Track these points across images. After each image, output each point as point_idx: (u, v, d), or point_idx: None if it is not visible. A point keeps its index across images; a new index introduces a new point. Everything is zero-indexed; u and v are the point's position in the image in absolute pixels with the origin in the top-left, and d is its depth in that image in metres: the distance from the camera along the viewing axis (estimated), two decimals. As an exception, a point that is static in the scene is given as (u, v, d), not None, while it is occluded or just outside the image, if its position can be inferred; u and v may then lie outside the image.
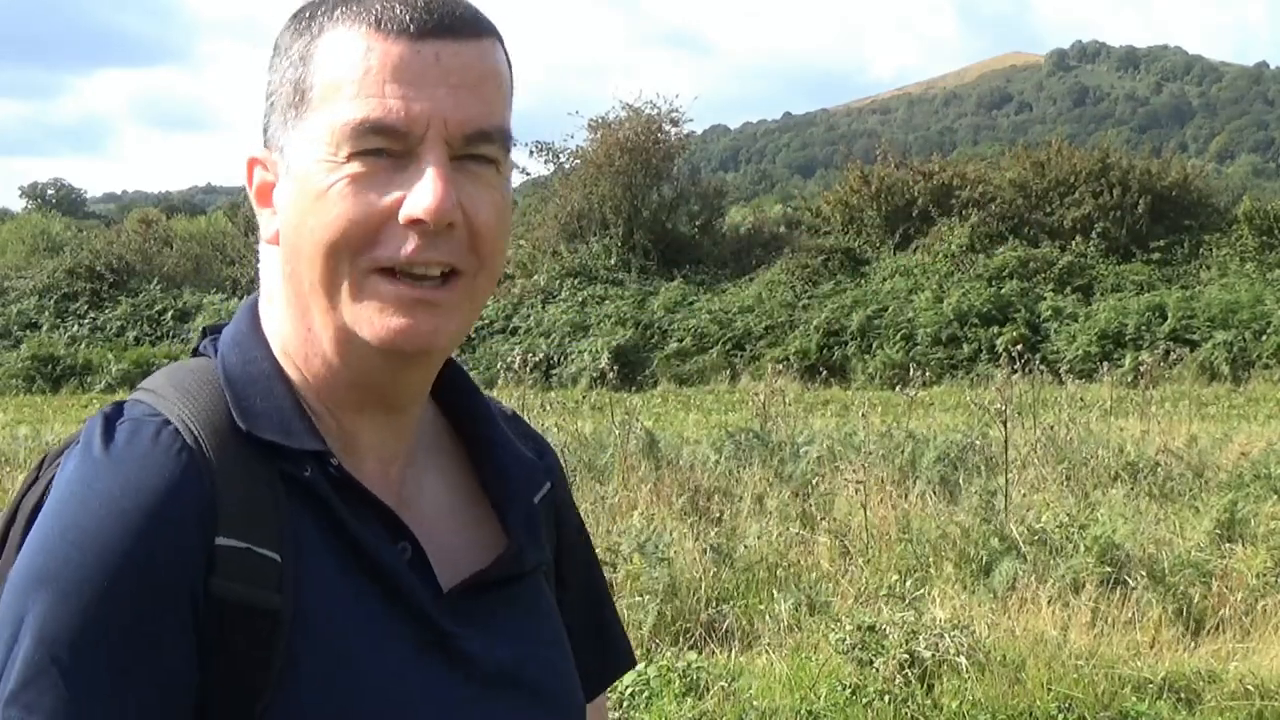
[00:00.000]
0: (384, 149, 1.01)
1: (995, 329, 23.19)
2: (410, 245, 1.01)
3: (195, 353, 1.12)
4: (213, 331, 1.13)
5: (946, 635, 5.44)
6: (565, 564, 1.26)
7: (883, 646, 5.39)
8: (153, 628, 0.94)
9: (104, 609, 0.93)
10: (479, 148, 1.04)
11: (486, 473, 1.17)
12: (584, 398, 15.30)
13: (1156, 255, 25.79)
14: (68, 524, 0.96)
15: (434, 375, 1.13)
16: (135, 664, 0.94)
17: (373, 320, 1.02)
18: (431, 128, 1.01)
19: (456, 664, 1.06)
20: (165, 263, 31.78)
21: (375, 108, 1.00)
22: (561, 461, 1.32)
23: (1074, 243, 26.17)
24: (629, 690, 5.48)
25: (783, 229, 30.77)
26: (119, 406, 1.05)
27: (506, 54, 1.10)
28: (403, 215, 1.01)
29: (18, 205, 71.11)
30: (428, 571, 1.07)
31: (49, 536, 0.96)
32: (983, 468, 9.12)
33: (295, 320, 1.08)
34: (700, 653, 5.94)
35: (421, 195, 1.00)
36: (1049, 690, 5.26)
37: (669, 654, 5.90)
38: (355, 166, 1.01)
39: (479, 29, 1.06)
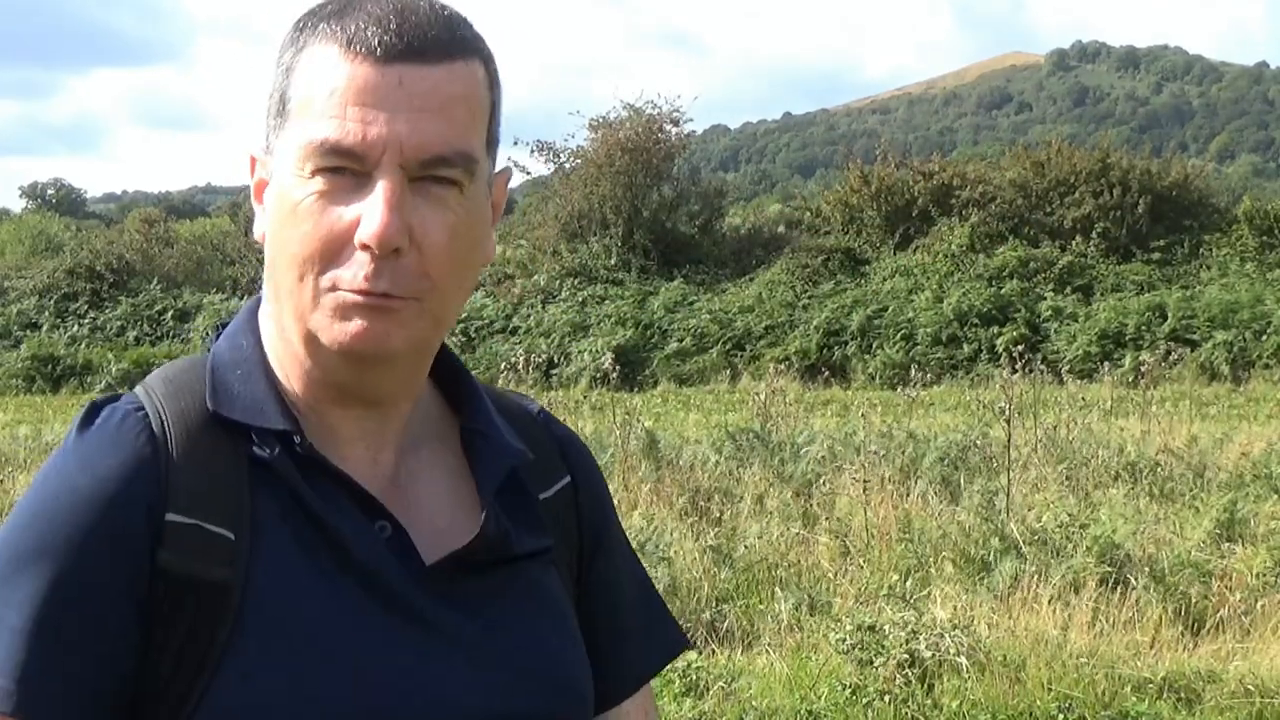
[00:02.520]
0: (345, 167, 1.05)
1: (995, 329, 23.20)
2: (362, 272, 1.05)
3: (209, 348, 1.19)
4: (223, 326, 1.19)
5: (947, 635, 5.44)
6: (595, 557, 1.28)
7: (883, 646, 5.39)
8: (91, 596, 1.02)
9: (46, 578, 1.02)
10: (438, 170, 1.06)
11: (471, 461, 1.20)
12: (584, 398, 15.30)
13: (1156, 255, 25.78)
14: (27, 503, 1.07)
15: (410, 375, 1.15)
16: (73, 628, 1.01)
17: (330, 327, 1.07)
18: (387, 151, 1.04)
19: (427, 636, 1.09)
20: (165, 263, 31.78)
21: (335, 129, 1.04)
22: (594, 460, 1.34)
23: (1074, 243, 26.17)
24: (629, 690, 5.48)
25: (782, 229, 30.77)
26: (113, 396, 1.13)
27: (491, 72, 1.12)
28: (356, 239, 1.05)
29: (17, 205, 71.18)
30: (408, 549, 1.10)
31: (13, 514, 1.06)
32: (983, 468, 9.12)
33: (275, 317, 1.14)
34: (700, 653, 5.94)
35: (369, 221, 1.04)
36: (1049, 690, 5.26)
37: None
38: (320, 183, 1.05)
39: (451, 52, 1.07)
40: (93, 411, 1.11)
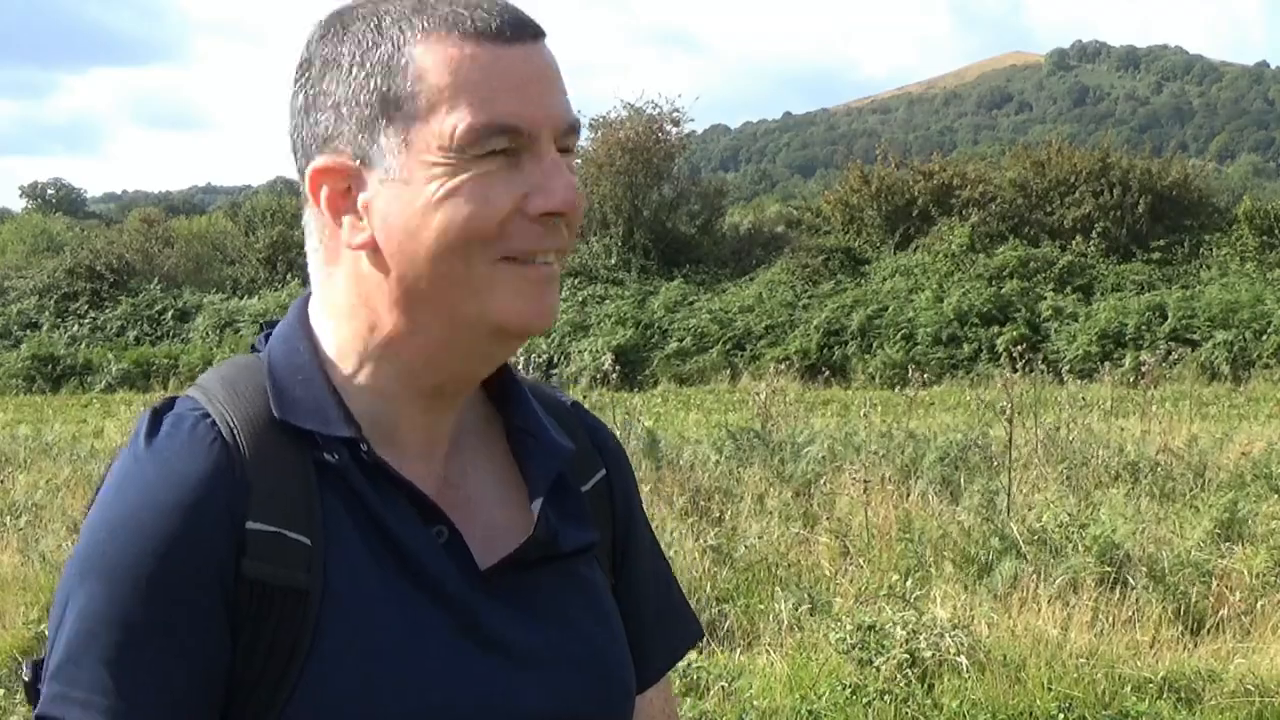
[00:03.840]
0: (503, 149, 1.07)
1: (996, 329, 23.20)
2: (536, 236, 1.08)
3: (253, 348, 1.19)
4: (269, 326, 1.20)
5: (947, 635, 5.44)
6: (626, 549, 1.30)
7: (883, 646, 5.39)
8: (182, 608, 1.03)
9: (136, 592, 1.02)
10: (569, 140, 1.12)
11: (519, 460, 1.21)
12: (584, 398, 15.31)
13: (1157, 255, 25.80)
14: (108, 514, 1.06)
15: None
16: (165, 642, 1.03)
17: (509, 305, 1.09)
18: (546, 125, 1.08)
19: (485, 638, 1.11)
20: (165, 262, 31.76)
21: (496, 111, 1.06)
22: (625, 452, 1.37)
23: (1074, 242, 26.18)
24: (629, 690, 5.47)
25: (782, 229, 30.78)
26: (169, 401, 1.13)
27: None
28: (537, 209, 1.08)
29: (17, 205, 71.19)
30: (464, 553, 1.12)
31: (94, 526, 1.06)
32: (983, 467, 9.12)
33: (358, 319, 1.13)
34: (700, 652, 5.93)
35: (555, 190, 1.08)
36: (1049, 690, 5.26)
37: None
38: (480, 167, 1.07)
39: (539, 30, 1.12)
40: (156, 419, 1.10)
